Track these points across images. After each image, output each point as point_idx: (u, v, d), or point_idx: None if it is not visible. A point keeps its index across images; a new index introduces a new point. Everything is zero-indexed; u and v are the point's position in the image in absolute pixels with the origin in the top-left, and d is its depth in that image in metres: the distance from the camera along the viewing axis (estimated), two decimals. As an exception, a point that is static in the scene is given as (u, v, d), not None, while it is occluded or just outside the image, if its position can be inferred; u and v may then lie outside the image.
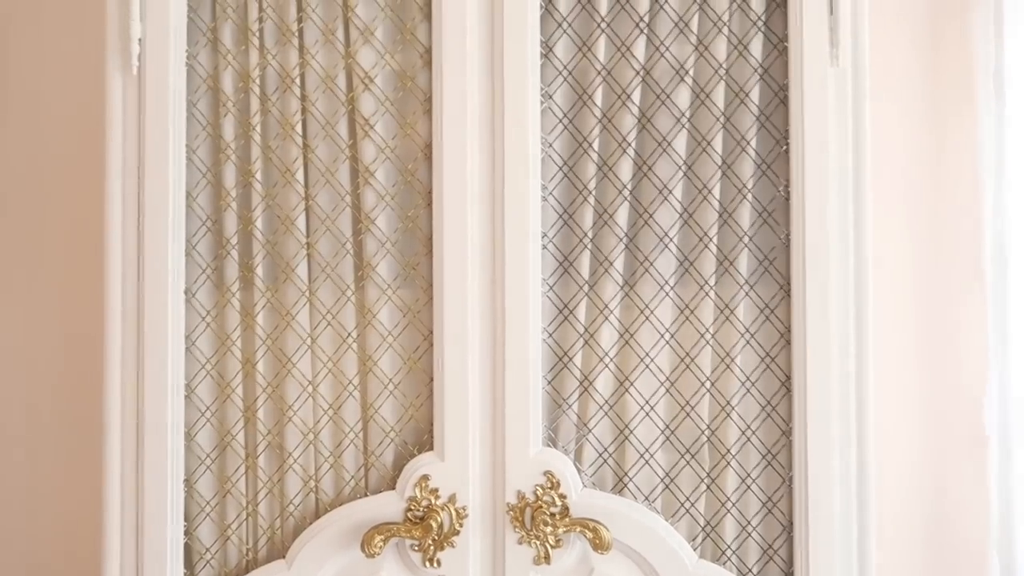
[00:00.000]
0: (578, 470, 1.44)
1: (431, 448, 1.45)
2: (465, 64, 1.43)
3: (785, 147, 1.44)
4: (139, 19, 1.45)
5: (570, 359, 1.45)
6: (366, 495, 1.47)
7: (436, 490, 1.42)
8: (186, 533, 1.47)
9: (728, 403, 1.44)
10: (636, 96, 1.46)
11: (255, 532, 1.49)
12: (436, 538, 1.39)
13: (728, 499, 1.44)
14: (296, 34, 1.49)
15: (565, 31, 1.47)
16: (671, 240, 1.45)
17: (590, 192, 1.46)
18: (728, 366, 1.44)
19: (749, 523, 1.44)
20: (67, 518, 1.80)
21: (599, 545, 1.36)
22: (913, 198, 1.79)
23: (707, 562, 1.43)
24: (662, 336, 1.45)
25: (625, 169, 1.46)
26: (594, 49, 1.46)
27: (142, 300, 1.45)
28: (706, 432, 1.44)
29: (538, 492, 1.41)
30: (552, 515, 1.40)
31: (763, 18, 1.45)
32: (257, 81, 1.49)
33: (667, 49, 1.46)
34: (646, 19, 1.46)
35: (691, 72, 1.45)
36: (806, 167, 1.41)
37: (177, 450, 1.45)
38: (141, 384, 1.44)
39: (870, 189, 1.42)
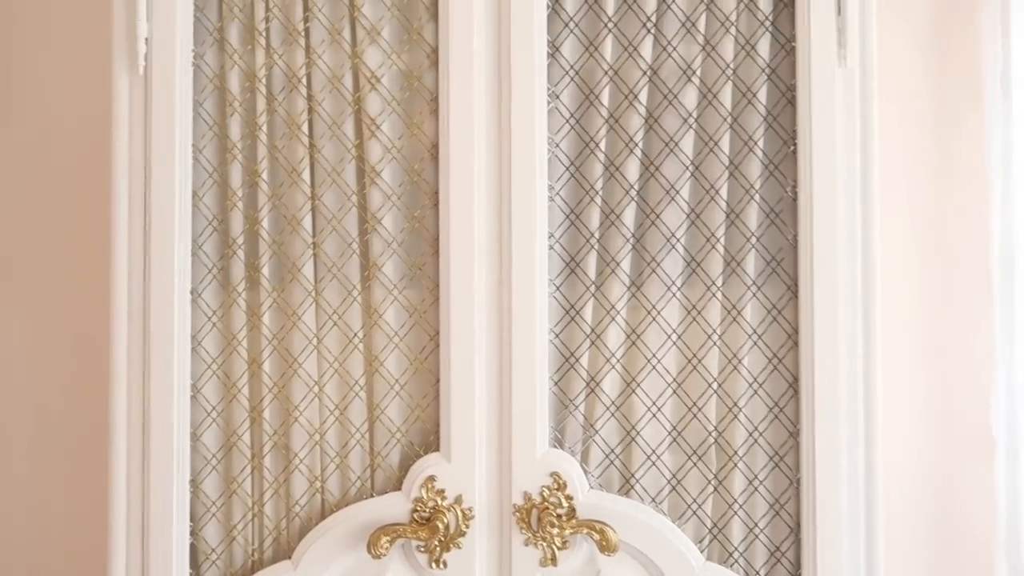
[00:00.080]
0: (585, 471, 1.43)
1: (437, 449, 1.44)
2: (472, 64, 1.43)
3: (793, 147, 1.43)
4: (146, 19, 1.45)
5: (577, 360, 1.45)
6: (372, 496, 1.46)
7: (442, 491, 1.42)
8: (192, 533, 1.47)
9: (735, 404, 1.43)
10: (643, 96, 1.45)
11: (261, 532, 1.49)
12: (442, 539, 1.39)
13: (735, 501, 1.43)
14: (302, 34, 1.49)
15: (572, 31, 1.46)
16: (678, 241, 1.45)
17: (597, 192, 1.46)
18: (735, 367, 1.44)
19: (756, 525, 1.43)
20: (73, 518, 1.80)
21: (606, 547, 1.35)
22: (920, 198, 1.79)
23: (714, 564, 1.42)
24: (669, 337, 1.45)
25: (632, 169, 1.45)
26: (601, 49, 1.46)
27: (148, 300, 1.44)
28: (713, 433, 1.44)
29: (544, 493, 1.41)
30: (559, 516, 1.39)
31: (770, 18, 1.44)
32: (263, 81, 1.49)
33: (674, 49, 1.46)
34: (653, 19, 1.45)
35: (698, 72, 1.45)
36: (814, 167, 1.41)
37: (183, 450, 1.44)
38: (147, 384, 1.44)
39: (878, 189, 1.42)
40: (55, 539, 1.82)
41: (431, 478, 1.42)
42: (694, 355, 1.45)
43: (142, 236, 1.45)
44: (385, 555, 1.38)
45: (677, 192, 1.45)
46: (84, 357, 1.80)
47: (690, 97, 1.45)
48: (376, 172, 1.48)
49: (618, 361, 1.45)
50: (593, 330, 1.46)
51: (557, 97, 1.46)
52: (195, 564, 1.47)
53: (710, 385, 1.44)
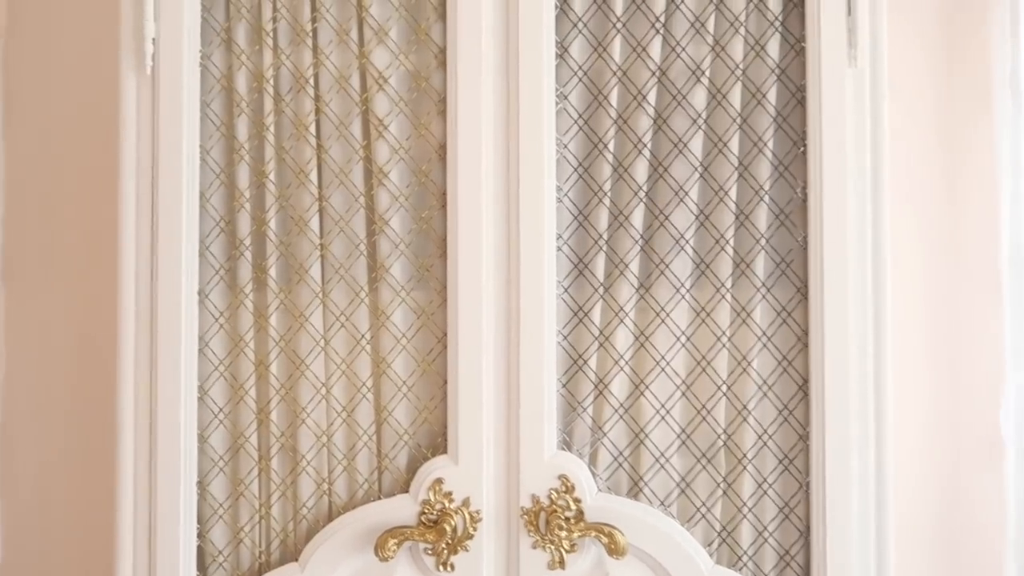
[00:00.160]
0: (593, 474, 1.43)
1: (445, 451, 1.44)
2: (480, 65, 1.43)
3: (802, 148, 1.43)
4: (153, 19, 1.45)
5: (585, 362, 1.44)
6: (379, 498, 1.46)
7: (450, 493, 1.41)
8: (199, 535, 1.47)
9: (745, 407, 1.43)
10: (652, 97, 1.45)
11: (268, 535, 1.48)
12: (450, 542, 1.38)
13: (744, 504, 1.42)
14: (310, 34, 1.49)
15: (580, 31, 1.46)
16: (687, 242, 1.44)
17: (605, 193, 1.45)
18: (745, 369, 1.43)
19: (765, 529, 1.42)
20: (79, 519, 1.80)
21: (614, 550, 1.35)
22: (929, 199, 1.78)
23: (723, 568, 1.41)
24: (678, 339, 1.44)
25: (641, 170, 1.45)
26: (610, 49, 1.45)
27: (155, 301, 1.44)
28: (722, 436, 1.43)
29: (553, 496, 1.40)
30: (567, 519, 1.39)
31: (780, 18, 1.44)
32: (271, 81, 1.49)
33: (683, 49, 1.45)
34: (662, 19, 1.45)
35: (707, 73, 1.44)
36: (824, 168, 1.40)
37: (190, 452, 1.44)
38: (154, 385, 1.44)
39: (888, 190, 1.41)
40: (62, 540, 1.81)
41: (439, 480, 1.42)
42: (703, 357, 1.44)
43: (149, 237, 1.45)
44: (392, 558, 1.38)
45: (686, 193, 1.44)
46: (91, 358, 1.80)
47: (699, 98, 1.44)
48: (384, 173, 1.47)
49: (627, 363, 1.45)
50: (601, 332, 1.45)
51: (565, 98, 1.45)
52: (202, 566, 1.47)
53: (719, 387, 1.43)
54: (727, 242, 1.43)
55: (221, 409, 1.49)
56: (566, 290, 1.45)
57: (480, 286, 1.42)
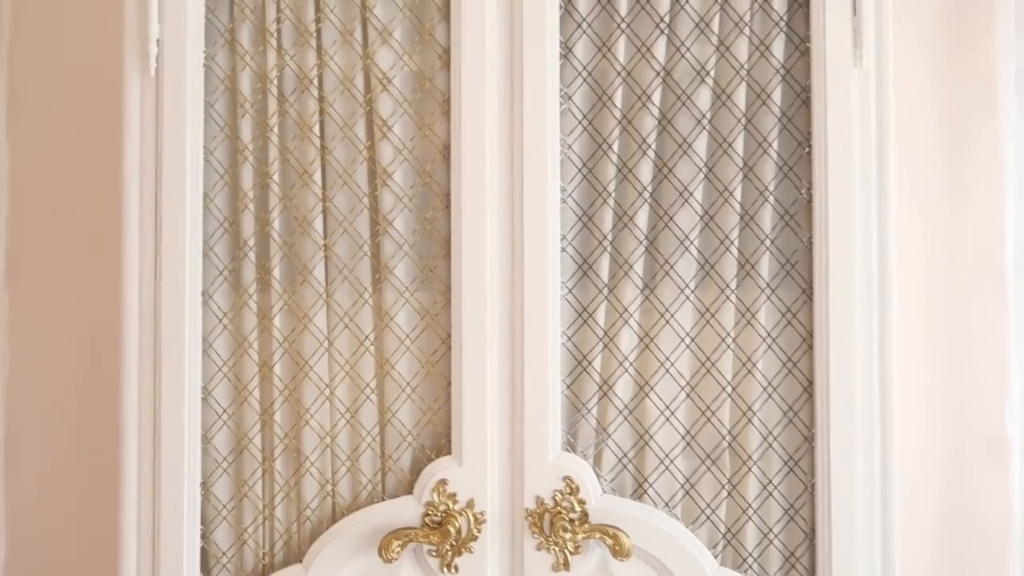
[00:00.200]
0: (597, 475, 1.42)
1: (449, 452, 1.43)
2: (484, 65, 1.42)
3: (807, 149, 1.42)
4: (157, 20, 1.44)
5: (589, 363, 1.44)
6: (383, 499, 1.45)
7: (454, 495, 1.41)
8: (203, 537, 1.46)
9: (749, 408, 1.42)
10: (656, 97, 1.44)
11: (272, 536, 1.48)
12: (454, 544, 1.38)
13: (749, 506, 1.42)
14: (314, 35, 1.48)
15: (585, 31, 1.45)
16: (692, 243, 1.44)
17: (610, 194, 1.45)
18: (750, 371, 1.43)
19: (771, 530, 1.42)
20: (83, 520, 1.80)
21: (619, 552, 1.34)
22: (933, 200, 1.77)
23: (728, 570, 1.41)
24: (682, 340, 1.44)
25: (645, 171, 1.44)
26: (614, 50, 1.45)
27: (159, 301, 1.44)
28: (727, 438, 1.43)
29: (557, 497, 1.40)
30: (571, 521, 1.38)
31: (785, 18, 1.43)
32: (275, 82, 1.49)
33: (688, 50, 1.44)
34: (666, 19, 1.44)
35: (712, 73, 1.44)
36: (829, 169, 1.39)
37: (194, 453, 1.44)
38: (158, 386, 1.43)
39: (894, 191, 1.40)
40: (66, 541, 1.81)
41: (443, 482, 1.41)
42: (708, 358, 1.44)
43: (153, 237, 1.45)
44: (396, 559, 1.38)
45: (691, 194, 1.44)
46: (95, 359, 1.80)
47: (704, 98, 1.44)
48: (388, 174, 1.47)
49: (631, 364, 1.44)
50: (606, 333, 1.44)
51: (570, 98, 1.45)
52: (206, 567, 1.47)
53: (724, 389, 1.43)
54: (732, 243, 1.43)
55: (225, 410, 1.49)
56: (570, 291, 1.45)
57: (484, 287, 1.41)
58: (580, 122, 1.46)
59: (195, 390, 1.44)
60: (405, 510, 1.42)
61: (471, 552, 1.40)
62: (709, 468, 1.43)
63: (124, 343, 1.45)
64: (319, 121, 1.48)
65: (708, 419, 1.43)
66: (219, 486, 1.48)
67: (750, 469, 1.42)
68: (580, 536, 1.38)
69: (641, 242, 1.44)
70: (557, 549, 1.38)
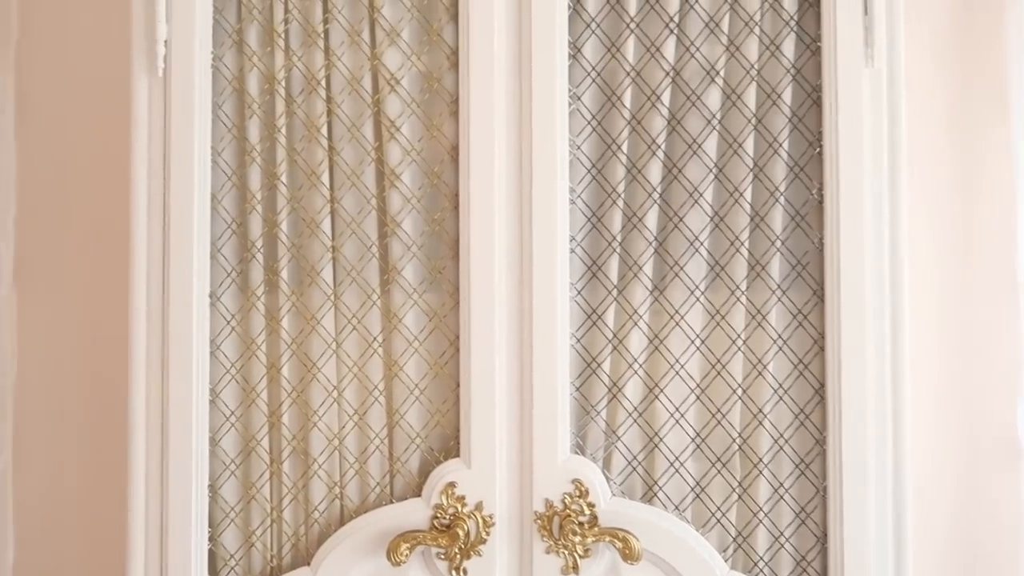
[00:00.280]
0: (607, 478, 1.42)
1: (457, 455, 1.43)
2: (492, 65, 1.42)
3: (818, 149, 1.41)
4: (165, 21, 1.44)
5: (599, 365, 1.43)
6: (391, 502, 1.45)
7: (463, 498, 1.40)
8: (211, 539, 1.46)
9: (760, 411, 1.41)
10: (666, 97, 1.43)
11: (280, 539, 1.48)
12: (463, 547, 1.37)
13: (760, 509, 1.41)
14: (322, 35, 1.48)
15: (594, 32, 1.45)
16: (702, 244, 1.43)
17: (619, 195, 1.44)
18: (760, 373, 1.41)
19: (782, 534, 1.41)
20: (91, 522, 1.80)
21: (629, 555, 1.33)
22: (945, 200, 1.76)
23: (739, 573, 1.40)
24: (692, 342, 1.43)
25: (655, 172, 1.43)
26: (623, 50, 1.44)
27: (167, 303, 1.44)
28: (738, 440, 1.42)
29: (566, 500, 1.39)
30: (581, 524, 1.37)
31: (795, 18, 1.42)
32: (282, 83, 1.48)
33: (697, 49, 1.44)
34: (676, 19, 1.43)
35: (722, 73, 1.43)
36: (840, 169, 1.38)
37: (202, 455, 1.43)
38: (166, 388, 1.43)
39: (906, 191, 1.39)
40: (74, 542, 1.81)
41: (451, 484, 1.41)
42: (718, 360, 1.42)
43: (161, 239, 1.44)
44: (405, 562, 1.37)
45: (700, 195, 1.43)
46: (102, 360, 1.79)
47: (714, 98, 1.43)
48: (396, 175, 1.46)
49: (641, 366, 1.43)
50: (615, 335, 1.44)
51: (579, 98, 1.44)
52: (214, 570, 1.46)
53: (734, 391, 1.42)
54: (742, 244, 1.42)
55: (233, 412, 1.48)
56: (579, 292, 1.44)
57: (493, 288, 1.41)
58: (589, 123, 1.45)
59: (203, 392, 1.44)
60: (413, 513, 1.42)
61: (480, 555, 1.39)
62: (719, 471, 1.42)
63: (132, 344, 1.45)
64: (327, 122, 1.48)
65: (718, 422, 1.42)
66: (227, 488, 1.47)
67: (761, 472, 1.41)
68: (590, 539, 1.37)
69: (650, 243, 1.43)
70: (566, 552, 1.37)
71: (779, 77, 1.42)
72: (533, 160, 1.41)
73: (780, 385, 1.41)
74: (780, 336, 1.42)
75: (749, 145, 1.42)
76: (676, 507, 1.42)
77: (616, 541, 1.35)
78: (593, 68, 1.45)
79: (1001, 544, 1.72)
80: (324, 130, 1.48)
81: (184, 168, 1.44)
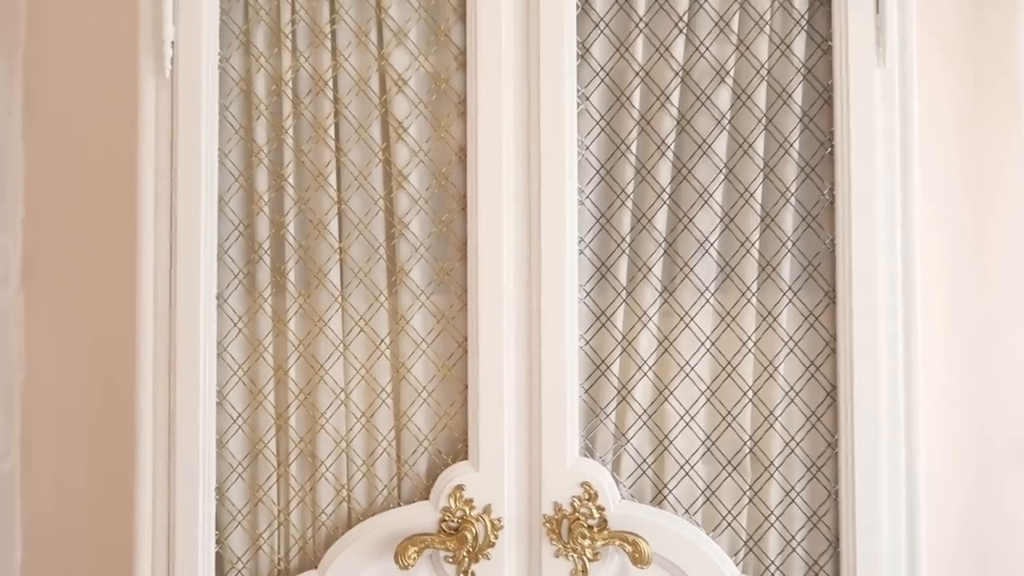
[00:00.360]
0: (616, 481, 1.40)
1: (465, 457, 1.42)
2: (500, 66, 1.41)
3: (830, 149, 1.40)
4: (172, 22, 1.44)
5: (608, 367, 1.42)
6: (399, 505, 1.44)
7: (471, 501, 1.39)
8: (218, 542, 1.45)
9: (771, 413, 1.40)
10: (675, 97, 1.42)
11: (287, 541, 1.47)
12: (471, 550, 1.36)
13: (771, 513, 1.39)
14: (329, 36, 1.47)
15: (602, 31, 1.44)
16: (712, 245, 1.42)
17: (628, 196, 1.43)
18: (771, 375, 1.40)
19: (793, 538, 1.39)
20: (98, 523, 1.80)
21: (639, 559, 1.32)
22: (956, 200, 1.75)
23: (750, 577, 1.39)
24: (703, 344, 1.41)
25: (664, 172, 1.42)
26: (632, 50, 1.43)
27: (174, 305, 1.43)
28: (748, 443, 1.40)
29: (575, 504, 1.38)
30: (590, 527, 1.36)
31: (806, 17, 1.41)
32: (290, 84, 1.48)
33: (707, 49, 1.42)
34: (685, 19, 1.42)
35: (732, 72, 1.42)
36: (852, 169, 1.37)
37: (209, 457, 1.43)
38: (173, 390, 1.43)
39: (919, 192, 1.38)
40: (81, 544, 1.81)
41: (459, 487, 1.40)
42: (728, 362, 1.41)
43: (168, 240, 1.44)
44: (413, 566, 1.36)
45: (710, 195, 1.42)
46: (109, 361, 1.79)
47: (723, 98, 1.42)
48: (403, 176, 1.46)
49: (650, 368, 1.42)
50: (624, 337, 1.43)
51: (587, 99, 1.43)
52: (221, 573, 1.46)
53: (745, 393, 1.41)
54: (752, 245, 1.41)
55: (240, 414, 1.48)
56: (588, 294, 1.43)
57: (501, 290, 1.40)
58: (598, 123, 1.44)
59: (210, 394, 1.43)
60: (421, 516, 1.41)
61: (488, 559, 1.38)
62: (730, 474, 1.40)
63: (139, 346, 1.44)
64: (334, 123, 1.47)
65: (729, 424, 1.41)
66: (234, 491, 1.47)
67: (772, 475, 1.39)
68: (599, 543, 1.36)
69: (660, 244, 1.42)
70: (575, 556, 1.36)
71: (790, 77, 1.41)
72: (541, 161, 1.40)
73: (791, 387, 1.40)
74: (791, 338, 1.40)
75: (759, 145, 1.41)
76: (686, 510, 1.41)
77: (626, 545, 1.34)
78: (602, 68, 1.44)
79: (1013, 545, 1.71)
80: (331, 131, 1.47)
81: (191, 169, 1.43)
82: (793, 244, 1.41)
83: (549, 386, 1.39)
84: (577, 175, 1.41)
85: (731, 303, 1.42)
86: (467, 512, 1.39)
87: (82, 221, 1.82)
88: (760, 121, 1.41)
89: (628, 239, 1.43)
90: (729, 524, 1.40)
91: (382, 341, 1.46)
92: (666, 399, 1.41)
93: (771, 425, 1.40)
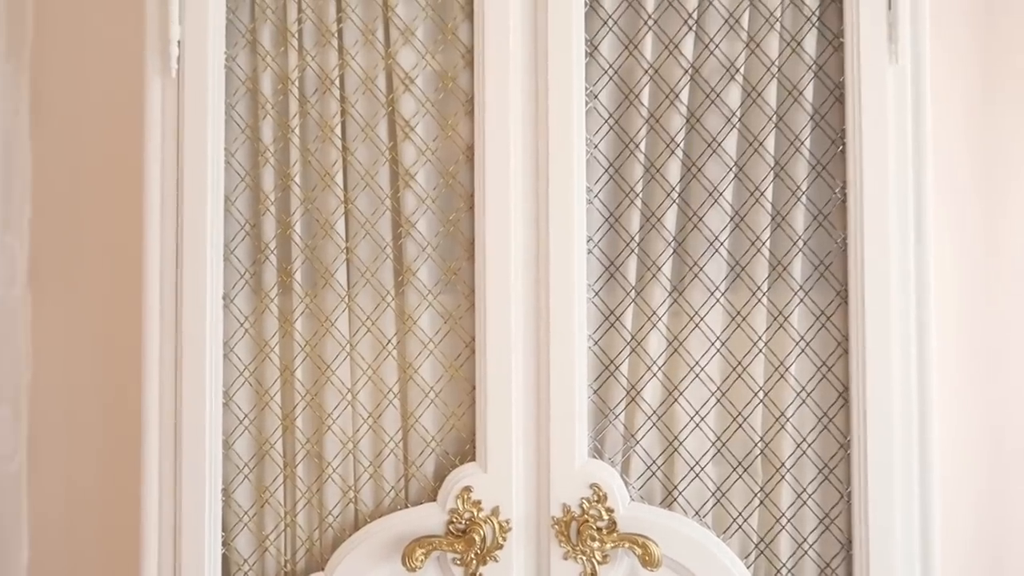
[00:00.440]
0: (625, 483, 1.39)
1: (473, 459, 1.41)
2: (508, 64, 1.40)
3: (841, 147, 1.38)
4: (178, 21, 1.43)
5: (617, 367, 1.41)
6: (406, 506, 1.43)
7: (479, 502, 1.38)
8: (224, 543, 1.44)
9: (782, 414, 1.38)
10: (684, 95, 1.41)
11: (293, 543, 1.46)
12: (479, 552, 1.35)
13: (783, 515, 1.38)
14: (335, 35, 1.47)
15: (611, 29, 1.43)
16: (722, 244, 1.40)
17: (637, 195, 1.41)
18: (782, 375, 1.39)
19: (805, 540, 1.38)
20: (105, 524, 1.79)
21: (648, 562, 1.31)
22: (968, 200, 1.73)
23: (761, 580, 1.37)
24: (713, 344, 1.40)
25: (673, 171, 1.41)
26: (641, 47, 1.42)
27: (180, 305, 1.43)
28: (759, 444, 1.39)
29: (584, 505, 1.36)
30: (599, 530, 1.35)
31: (817, 13, 1.40)
32: (296, 83, 1.47)
33: (717, 46, 1.41)
34: (695, 15, 1.41)
35: (742, 70, 1.40)
36: (864, 168, 1.35)
37: (215, 457, 1.42)
38: (179, 390, 1.42)
39: (932, 190, 1.36)
40: (88, 544, 1.80)
41: (467, 489, 1.39)
42: (739, 363, 1.40)
43: (174, 240, 1.43)
44: (420, 568, 1.35)
45: (720, 194, 1.40)
46: (116, 362, 1.79)
47: (733, 96, 1.40)
48: (410, 175, 1.45)
49: (659, 369, 1.41)
50: (633, 337, 1.41)
51: (596, 97, 1.42)
52: (227, 574, 1.45)
53: (756, 394, 1.39)
54: (763, 244, 1.39)
55: (246, 415, 1.47)
56: (597, 294, 1.42)
57: (509, 290, 1.39)
58: (606, 121, 1.43)
59: (216, 395, 1.43)
60: (429, 517, 1.40)
61: (496, 561, 1.37)
62: (741, 476, 1.39)
63: (145, 347, 1.44)
64: (341, 122, 1.46)
65: (739, 425, 1.39)
66: (240, 492, 1.46)
67: (783, 477, 1.38)
68: (608, 545, 1.34)
69: (669, 243, 1.41)
70: (584, 558, 1.35)
71: (801, 74, 1.39)
72: (549, 159, 1.39)
73: (803, 388, 1.39)
74: (803, 338, 1.39)
75: (770, 143, 1.40)
76: (696, 512, 1.39)
77: (635, 547, 1.32)
78: (610, 66, 1.43)
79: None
80: (338, 130, 1.46)
81: (197, 169, 1.43)
82: (804, 243, 1.39)
83: (558, 387, 1.37)
84: (586, 174, 1.40)
85: (741, 303, 1.40)
86: (475, 514, 1.38)
87: (89, 221, 1.82)
88: (771, 119, 1.40)
89: (637, 238, 1.41)
90: (740, 526, 1.39)
91: (389, 341, 1.45)
92: (676, 400, 1.40)
93: (782, 426, 1.38)
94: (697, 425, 1.40)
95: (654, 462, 1.41)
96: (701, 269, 1.40)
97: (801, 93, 1.39)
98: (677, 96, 1.41)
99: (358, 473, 1.45)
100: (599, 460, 1.39)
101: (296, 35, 1.47)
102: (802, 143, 1.39)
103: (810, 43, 1.40)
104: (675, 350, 1.41)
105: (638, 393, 1.40)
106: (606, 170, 1.43)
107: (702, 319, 1.40)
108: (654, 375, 1.40)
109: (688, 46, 1.41)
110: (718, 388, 1.40)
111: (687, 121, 1.41)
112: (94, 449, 1.81)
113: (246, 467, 1.46)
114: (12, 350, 1.80)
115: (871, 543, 1.33)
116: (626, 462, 1.41)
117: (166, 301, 1.43)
